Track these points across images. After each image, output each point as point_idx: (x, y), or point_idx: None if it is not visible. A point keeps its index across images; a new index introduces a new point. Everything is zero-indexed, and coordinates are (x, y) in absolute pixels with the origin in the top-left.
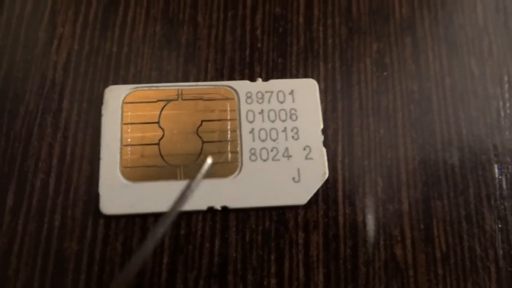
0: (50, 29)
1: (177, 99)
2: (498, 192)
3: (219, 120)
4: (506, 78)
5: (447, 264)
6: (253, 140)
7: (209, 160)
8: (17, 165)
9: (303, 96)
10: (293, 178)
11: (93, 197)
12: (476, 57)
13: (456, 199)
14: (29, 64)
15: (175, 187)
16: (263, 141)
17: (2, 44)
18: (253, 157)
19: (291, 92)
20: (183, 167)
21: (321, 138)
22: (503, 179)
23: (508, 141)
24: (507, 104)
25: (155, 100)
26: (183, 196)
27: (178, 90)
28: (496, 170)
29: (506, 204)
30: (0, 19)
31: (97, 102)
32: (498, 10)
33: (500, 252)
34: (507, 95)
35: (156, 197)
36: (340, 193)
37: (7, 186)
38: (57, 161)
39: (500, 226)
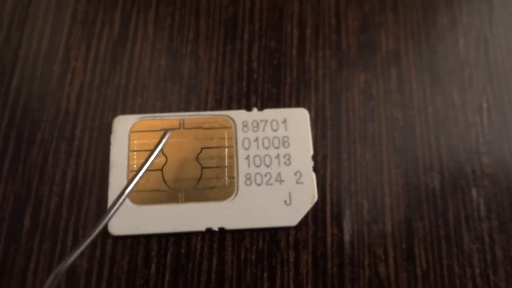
0: (64, 63)
1: (179, 128)
2: (476, 214)
3: (218, 147)
4: (485, 107)
5: (427, 281)
6: (249, 166)
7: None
8: (33, 189)
9: (295, 124)
10: (285, 201)
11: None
12: (458, 87)
13: (436, 220)
14: (45, 96)
15: (177, 209)
16: (257, 166)
17: (20, 78)
18: (248, 182)
19: (284, 121)
20: (184, 191)
21: (311, 163)
22: (481, 201)
23: (486, 166)
24: (486, 131)
25: (159, 129)
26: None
27: (180, 119)
28: (474, 193)
29: (483, 225)
30: (19, 55)
31: (106, 131)
32: (479, 43)
33: (477, 270)
34: (485, 123)
35: (159, 219)
36: (328, 215)
37: (24, 208)
38: (70, 185)
39: (477, 246)
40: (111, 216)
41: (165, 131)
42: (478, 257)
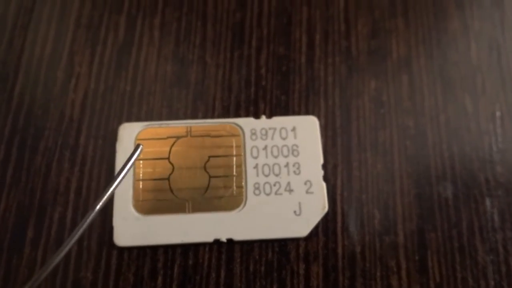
0: (68, 69)
1: (186, 136)
2: (490, 225)
3: (225, 156)
4: (498, 114)
5: None
6: (257, 175)
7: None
8: (37, 199)
9: (304, 132)
10: (295, 212)
11: (107, 229)
12: (470, 94)
13: (450, 231)
14: (49, 102)
15: (184, 220)
16: (266, 176)
17: (23, 84)
18: (257, 192)
19: (293, 129)
20: (191, 201)
21: (321, 173)
22: (495, 212)
23: (499, 175)
24: (499, 139)
25: (165, 137)
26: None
27: (187, 127)
28: (488, 203)
29: (497, 237)
30: (22, 60)
31: (111, 138)
32: (491, 49)
33: (492, 283)
34: (499, 131)
35: (166, 229)
36: (339, 226)
37: (27, 218)
38: (74, 195)
39: (491, 257)
40: (83, 231)
41: (138, 144)
42: (492, 269)
